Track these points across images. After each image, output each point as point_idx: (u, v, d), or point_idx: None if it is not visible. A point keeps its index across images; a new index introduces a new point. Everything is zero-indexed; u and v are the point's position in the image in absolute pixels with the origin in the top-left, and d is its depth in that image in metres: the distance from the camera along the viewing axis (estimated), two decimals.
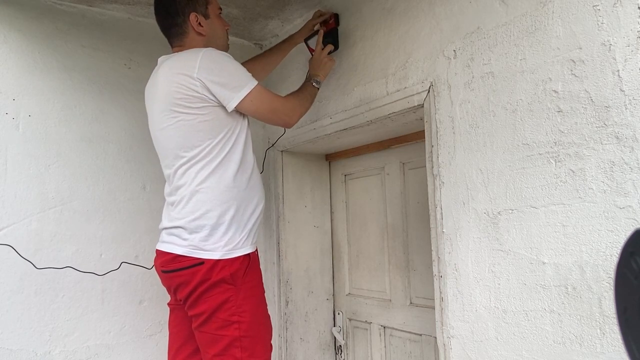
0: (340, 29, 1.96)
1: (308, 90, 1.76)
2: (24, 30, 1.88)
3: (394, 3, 1.72)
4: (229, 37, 1.77)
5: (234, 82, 1.49)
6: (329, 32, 1.93)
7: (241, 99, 1.49)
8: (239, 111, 1.54)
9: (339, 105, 1.95)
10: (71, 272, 1.90)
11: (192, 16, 1.59)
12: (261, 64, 1.98)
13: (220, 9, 1.72)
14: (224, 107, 1.51)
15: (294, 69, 2.25)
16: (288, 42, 2.06)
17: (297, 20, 2.23)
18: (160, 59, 1.64)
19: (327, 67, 1.85)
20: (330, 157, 2.51)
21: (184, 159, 1.51)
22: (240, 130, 1.56)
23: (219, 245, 1.47)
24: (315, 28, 1.99)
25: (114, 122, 2.05)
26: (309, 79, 1.80)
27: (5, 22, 1.85)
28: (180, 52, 1.57)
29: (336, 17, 1.96)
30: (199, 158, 1.49)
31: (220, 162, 1.50)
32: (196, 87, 1.45)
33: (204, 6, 1.63)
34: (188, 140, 1.50)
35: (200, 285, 1.45)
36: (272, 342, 1.58)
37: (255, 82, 1.53)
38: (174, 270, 1.49)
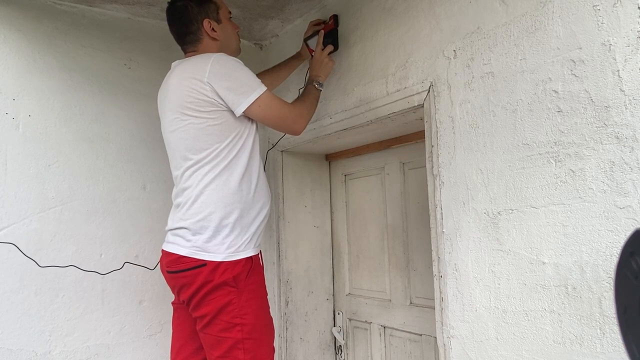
0: (340, 29, 1.96)
1: (312, 93, 1.77)
2: (24, 30, 1.88)
3: (394, 3, 1.72)
4: (240, 39, 1.79)
5: (243, 87, 1.51)
6: (329, 32, 1.93)
7: (250, 104, 1.51)
8: (248, 116, 1.56)
9: (339, 105, 1.95)
10: (72, 271, 1.90)
11: (206, 22, 1.62)
12: (269, 78, 1.99)
13: (230, 12, 1.74)
14: (232, 112, 1.52)
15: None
16: (296, 59, 2.09)
17: (297, 20, 2.23)
18: (173, 64, 1.66)
19: (327, 67, 1.86)
20: (330, 157, 2.51)
21: (192, 162, 1.53)
22: (248, 135, 1.58)
23: (222, 247, 1.49)
24: (316, 29, 1.99)
25: (114, 122, 2.05)
26: (310, 82, 1.81)
27: (5, 22, 1.85)
28: (192, 57, 1.59)
29: (335, 17, 1.96)
30: (206, 161, 1.51)
31: (227, 166, 1.52)
32: (206, 91, 1.47)
33: (215, 11, 1.66)
34: (196, 143, 1.52)
35: (203, 287, 1.46)
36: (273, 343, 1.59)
37: (265, 88, 1.55)
38: (178, 271, 1.51)
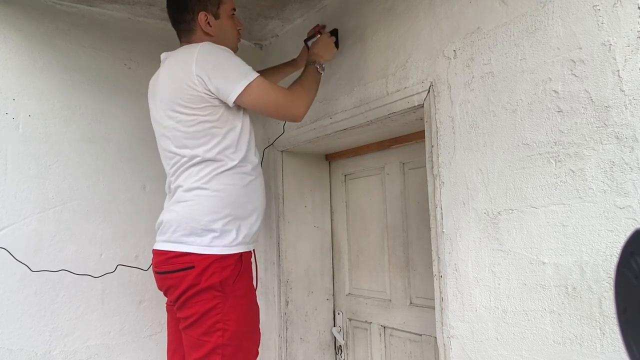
0: (340, 29, 1.95)
1: (312, 76, 1.67)
2: (24, 30, 1.88)
3: (394, 3, 1.72)
4: (241, 39, 1.73)
5: (233, 75, 1.45)
6: (330, 33, 1.92)
7: (241, 92, 1.44)
8: (241, 106, 1.50)
9: (339, 105, 1.95)
10: (68, 272, 1.90)
11: (202, 15, 1.56)
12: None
13: (234, 9, 1.67)
14: (225, 106, 1.48)
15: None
16: (290, 66, 2.02)
17: (297, 20, 2.23)
18: (162, 56, 1.62)
19: (331, 51, 1.80)
20: (330, 157, 2.51)
21: (185, 159, 1.50)
22: (242, 131, 1.53)
23: (215, 241, 1.46)
24: (310, 33, 1.96)
25: (114, 122, 2.05)
26: (311, 62, 1.70)
27: (5, 22, 1.85)
28: (179, 50, 1.55)
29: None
30: (198, 159, 1.48)
31: (221, 163, 1.49)
32: (195, 85, 1.43)
33: (216, 6, 1.59)
34: (188, 141, 1.48)
35: (189, 289, 1.44)
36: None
37: (256, 74, 1.48)
38: (166, 272, 1.49)
